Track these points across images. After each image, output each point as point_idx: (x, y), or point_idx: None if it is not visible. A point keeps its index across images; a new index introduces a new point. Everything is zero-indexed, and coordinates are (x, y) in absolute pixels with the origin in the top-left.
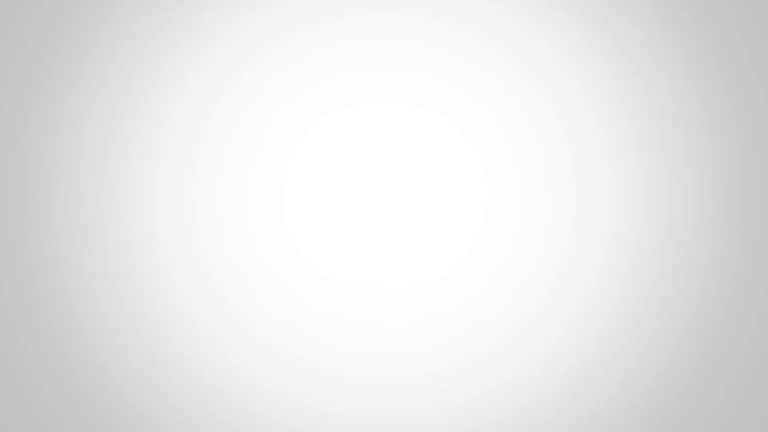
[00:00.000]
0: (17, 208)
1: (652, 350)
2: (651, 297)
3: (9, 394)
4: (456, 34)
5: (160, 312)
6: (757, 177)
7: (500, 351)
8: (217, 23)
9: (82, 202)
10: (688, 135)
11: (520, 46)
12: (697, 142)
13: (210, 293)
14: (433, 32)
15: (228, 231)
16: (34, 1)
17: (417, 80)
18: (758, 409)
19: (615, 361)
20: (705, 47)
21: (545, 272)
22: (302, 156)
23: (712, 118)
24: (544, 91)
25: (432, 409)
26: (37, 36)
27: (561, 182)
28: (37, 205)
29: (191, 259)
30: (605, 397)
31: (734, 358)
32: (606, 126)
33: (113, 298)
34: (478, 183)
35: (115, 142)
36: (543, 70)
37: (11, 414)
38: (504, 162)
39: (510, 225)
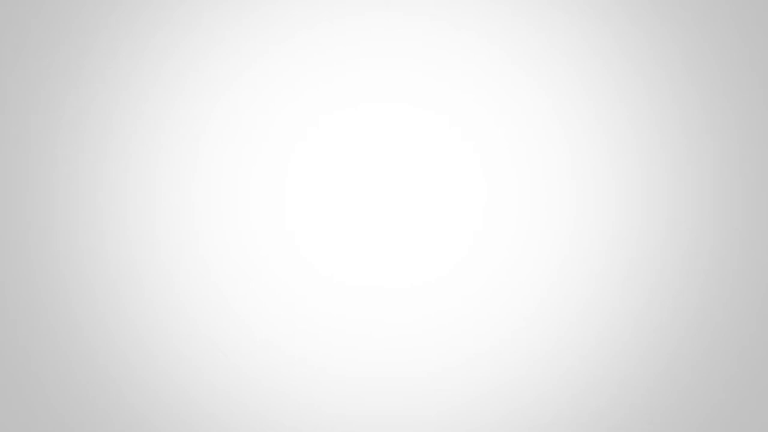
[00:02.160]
0: (17, 208)
1: (652, 350)
2: (651, 297)
3: (9, 394)
4: (456, 34)
5: (160, 312)
6: (757, 177)
7: (500, 351)
8: (217, 23)
9: (82, 202)
10: (688, 135)
11: (520, 46)
12: (697, 142)
13: (210, 293)
14: (433, 32)
15: (228, 231)
16: (34, 1)
17: (417, 80)
18: (758, 409)
19: (615, 361)
20: (705, 47)
21: (545, 272)
22: (302, 156)
23: (712, 118)
24: (544, 91)
25: (432, 409)
26: (37, 36)
27: (561, 182)
28: (37, 205)
29: (191, 259)
30: (605, 397)
31: (734, 358)
32: (606, 126)
33: (113, 298)
34: (478, 183)
35: (115, 142)
36: (543, 70)
37: (11, 414)
38: (504, 162)
39: (510, 225)
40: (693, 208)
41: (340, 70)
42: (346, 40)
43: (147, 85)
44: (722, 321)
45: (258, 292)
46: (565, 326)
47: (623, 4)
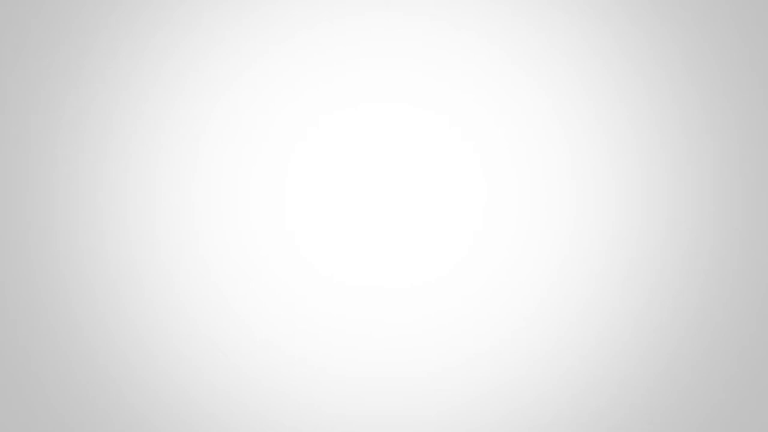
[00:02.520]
0: (17, 208)
1: (652, 350)
2: (651, 297)
3: (9, 394)
4: (456, 34)
5: (160, 312)
6: (757, 177)
7: (500, 351)
8: (217, 23)
9: (82, 202)
10: (688, 135)
11: (520, 46)
12: (697, 142)
13: (210, 293)
14: (433, 32)
15: (228, 231)
16: (34, 1)
17: (417, 80)
18: (758, 409)
19: (615, 361)
20: (705, 47)
21: (545, 272)
22: (302, 156)
23: (712, 118)
24: (544, 91)
25: (432, 409)
26: (37, 36)
27: (561, 182)
28: (37, 205)
29: (191, 259)
30: (605, 397)
31: (734, 358)
32: (606, 126)
33: (113, 298)
34: (478, 183)
35: (115, 142)
36: (543, 70)
37: (11, 414)
38: (504, 162)
39: (510, 225)
40: (693, 208)
41: (340, 70)
42: (346, 40)
43: (147, 85)
44: (722, 321)
45: (258, 292)
46: (565, 326)
47: (623, 4)
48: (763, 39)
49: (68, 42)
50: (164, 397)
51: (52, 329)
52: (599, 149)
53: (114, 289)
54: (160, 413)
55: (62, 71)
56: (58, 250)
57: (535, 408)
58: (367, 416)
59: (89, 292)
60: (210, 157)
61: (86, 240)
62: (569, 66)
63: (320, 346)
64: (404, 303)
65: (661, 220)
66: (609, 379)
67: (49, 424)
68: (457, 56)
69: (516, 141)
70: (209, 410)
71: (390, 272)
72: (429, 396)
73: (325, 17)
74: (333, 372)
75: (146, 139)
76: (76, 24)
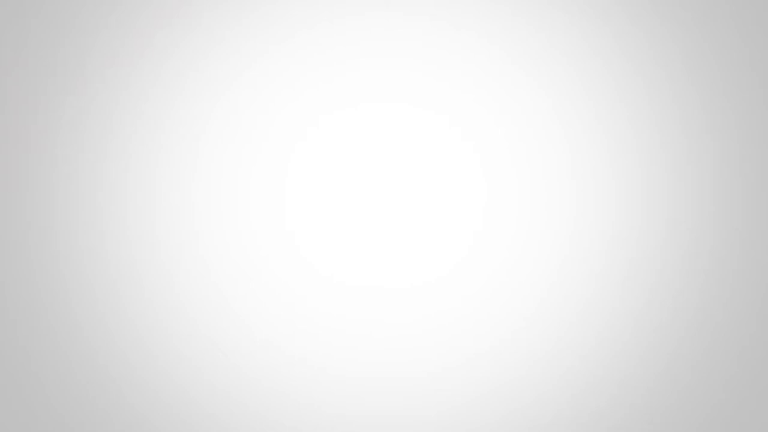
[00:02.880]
0: (17, 208)
1: (652, 350)
2: (651, 297)
3: (9, 394)
4: (456, 34)
5: (160, 312)
6: (757, 177)
7: (500, 351)
8: (217, 23)
9: (82, 202)
10: (688, 135)
11: (520, 46)
12: (697, 142)
13: (210, 293)
14: (433, 32)
15: (228, 231)
16: (34, 1)
17: (417, 80)
18: (758, 409)
19: (615, 361)
20: (705, 47)
21: (545, 272)
22: (302, 156)
23: (712, 118)
24: (544, 91)
25: (432, 409)
26: (37, 36)
27: (561, 182)
28: (37, 205)
29: (191, 259)
30: (605, 397)
31: (734, 358)
32: (606, 126)
33: (113, 298)
34: (478, 183)
35: (115, 142)
36: (543, 70)
37: (11, 414)
38: (504, 162)
39: (510, 225)
40: (693, 208)
41: (340, 70)
42: (346, 40)
43: (147, 85)
44: (722, 321)
45: (258, 292)
46: (565, 326)
47: (623, 4)
48: (763, 39)
49: (68, 42)
50: (164, 397)
51: (52, 329)
52: (599, 149)
53: (114, 289)
54: (160, 413)
55: (62, 71)
56: (58, 250)
57: (535, 408)
58: (367, 416)
59: (89, 292)
60: (210, 157)
61: (86, 240)
62: (569, 66)
63: (320, 346)
64: (404, 303)
65: (661, 220)
66: (609, 379)
67: (49, 424)
68: (457, 56)
69: (516, 141)
70: (209, 410)
71: (390, 272)
72: (429, 396)
73: (325, 17)
74: (333, 372)
75: (146, 139)
76: (76, 24)
